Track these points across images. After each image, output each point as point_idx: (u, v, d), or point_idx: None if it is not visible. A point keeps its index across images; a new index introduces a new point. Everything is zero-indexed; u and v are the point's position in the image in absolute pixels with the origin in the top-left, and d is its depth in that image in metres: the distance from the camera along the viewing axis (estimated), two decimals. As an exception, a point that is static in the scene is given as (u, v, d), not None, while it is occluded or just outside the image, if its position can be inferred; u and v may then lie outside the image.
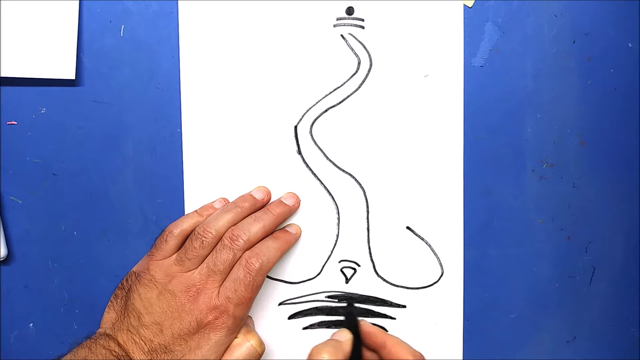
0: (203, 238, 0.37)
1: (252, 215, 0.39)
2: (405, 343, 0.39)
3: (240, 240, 0.37)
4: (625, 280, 0.44)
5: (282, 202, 0.41)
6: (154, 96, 0.42)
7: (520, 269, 0.43)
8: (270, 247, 0.38)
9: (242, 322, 0.37)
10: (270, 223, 0.39)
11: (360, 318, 0.42)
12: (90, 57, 0.41)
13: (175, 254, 0.38)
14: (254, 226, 0.38)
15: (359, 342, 0.40)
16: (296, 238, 0.42)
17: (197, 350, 0.35)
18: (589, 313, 0.44)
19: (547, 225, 0.43)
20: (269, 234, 0.39)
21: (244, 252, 0.37)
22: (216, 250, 0.37)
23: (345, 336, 0.40)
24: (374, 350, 0.40)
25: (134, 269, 0.39)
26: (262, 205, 0.41)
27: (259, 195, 0.41)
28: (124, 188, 0.42)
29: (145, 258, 0.39)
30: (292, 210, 0.41)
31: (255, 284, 0.36)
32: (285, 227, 0.42)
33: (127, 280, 0.38)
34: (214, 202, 0.41)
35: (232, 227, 0.38)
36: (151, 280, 0.37)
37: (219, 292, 0.36)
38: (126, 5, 0.41)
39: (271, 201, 0.42)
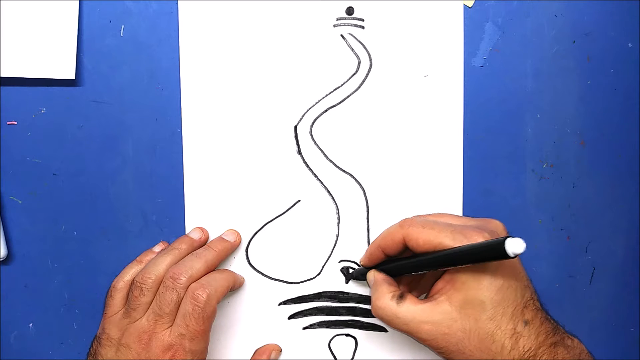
0: (142, 285, 0.36)
1: (193, 252, 0.39)
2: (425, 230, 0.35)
3: (183, 278, 0.36)
4: (625, 280, 0.44)
5: (223, 238, 0.41)
6: (154, 96, 0.42)
7: (520, 269, 0.43)
8: (217, 278, 0.38)
9: (202, 356, 0.36)
10: (213, 259, 0.39)
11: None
12: (90, 57, 0.41)
13: (124, 308, 0.37)
14: (196, 262, 0.37)
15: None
16: (242, 282, 0.42)
17: None
18: (589, 313, 0.44)
19: (547, 225, 0.43)
20: (211, 270, 0.39)
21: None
22: (159, 293, 0.36)
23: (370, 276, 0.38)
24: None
25: (97, 332, 0.39)
26: (199, 245, 0.41)
27: (196, 235, 0.41)
28: (124, 188, 0.42)
29: (101, 319, 0.38)
30: (233, 247, 0.41)
31: (206, 315, 0.35)
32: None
33: (92, 346, 0.38)
34: (154, 247, 0.41)
35: (172, 267, 0.37)
36: (107, 339, 0.36)
37: (170, 332, 0.35)
38: (126, 5, 0.41)
39: (210, 239, 0.42)
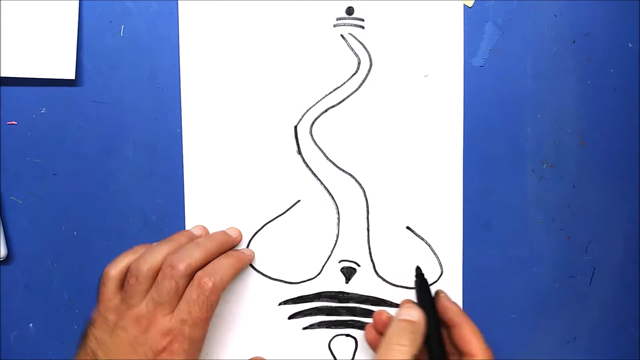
0: (138, 273, 0.36)
1: (194, 241, 0.38)
2: (480, 334, 0.37)
3: (181, 267, 0.36)
4: (625, 280, 0.44)
5: (225, 232, 0.41)
6: (154, 96, 0.42)
7: (520, 269, 0.43)
8: (223, 265, 0.37)
9: (200, 344, 0.36)
10: (212, 248, 0.38)
11: (438, 289, 0.40)
12: (90, 57, 0.41)
13: (120, 295, 0.37)
14: (195, 251, 0.37)
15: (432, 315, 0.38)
16: (250, 259, 0.41)
17: None
18: (589, 313, 0.44)
19: (547, 225, 0.43)
20: (211, 260, 0.38)
21: (187, 278, 0.36)
22: (157, 281, 0.36)
23: (417, 315, 0.38)
24: (444, 323, 0.38)
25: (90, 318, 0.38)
26: None
27: (196, 232, 0.41)
28: (124, 188, 0.42)
29: (96, 305, 0.38)
30: (234, 242, 0.41)
31: (210, 303, 0.35)
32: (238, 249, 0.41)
33: (84, 330, 0.37)
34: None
35: (171, 255, 0.36)
36: (103, 322, 0.36)
37: (171, 317, 0.35)
38: (126, 5, 0.41)
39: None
